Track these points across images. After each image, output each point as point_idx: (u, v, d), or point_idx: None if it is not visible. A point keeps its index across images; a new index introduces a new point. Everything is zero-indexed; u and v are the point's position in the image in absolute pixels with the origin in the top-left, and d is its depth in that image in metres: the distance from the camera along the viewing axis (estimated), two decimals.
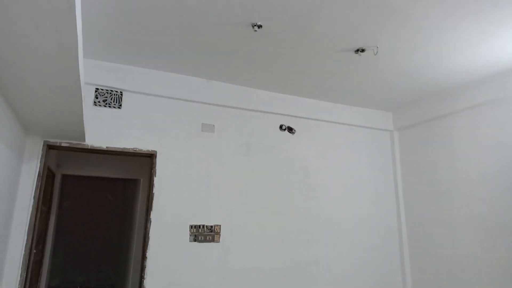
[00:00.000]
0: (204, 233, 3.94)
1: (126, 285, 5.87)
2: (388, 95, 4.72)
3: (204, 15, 2.94)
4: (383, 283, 4.77)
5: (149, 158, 4.02)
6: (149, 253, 3.68)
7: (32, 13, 1.47)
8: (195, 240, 3.88)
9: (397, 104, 5.06)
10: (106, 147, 3.71)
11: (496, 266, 3.84)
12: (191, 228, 3.90)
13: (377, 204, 5.03)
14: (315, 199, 4.63)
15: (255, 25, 3.03)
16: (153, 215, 3.77)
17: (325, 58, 3.67)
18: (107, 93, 3.83)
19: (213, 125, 4.26)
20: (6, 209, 2.92)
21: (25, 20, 1.53)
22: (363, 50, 3.45)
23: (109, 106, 3.81)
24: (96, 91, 3.79)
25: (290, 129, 4.66)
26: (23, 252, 3.21)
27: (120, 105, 3.87)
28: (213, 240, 3.96)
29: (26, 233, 3.25)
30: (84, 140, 3.55)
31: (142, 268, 3.67)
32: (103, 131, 3.73)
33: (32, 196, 3.33)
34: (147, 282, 3.61)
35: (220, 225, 4.03)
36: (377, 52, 3.49)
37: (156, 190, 3.83)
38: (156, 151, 3.91)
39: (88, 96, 3.72)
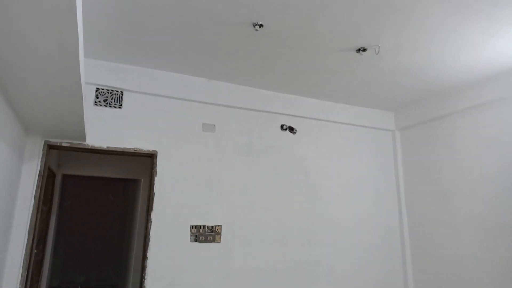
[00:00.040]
0: (205, 234, 3.93)
1: (127, 285, 5.86)
2: (390, 95, 4.70)
3: (205, 15, 2.92)
4: (384, 283, 4.76)
5: (150, 158, 4.01)
6: (150, 253, 3.67)
7: (33, 13, 1.47)
8: (195, 241, 3.87)
9: (399, 103, 5.05)
10: (107, 147, 3.71)
11: (498, 266, 3.83)
12: (192, 228, 3.89)
13: (379, 204, 5.01)
14: (317, 199, 4.62)
15: (256, 25, 3.02)
16: (153, 215, 3.76)
17: (326, 58, 3.66)
18: (108, 93, 3.82)
19: (214, 125, 4.25)
20: (7, 209, 2.91)
21: (26, 20, 1.53)
22: (364, 50, 3.44)
23: (110, 106, 3.81)
24: (96, 91, 3.78)
25: (291, 129, 4.65)
26: (23, 252, 3.20)
27: (121, 105, 3.86)
28: (214, 241, 3.95)
29: (26, 233, 3.25)
30: (84, 140, 3.54)
31: (143, 268, 3.66)
32: (103, 131, 3.72)
33: (33, 196, 3.33)
34: (148, 282, 3.60)
35: (221, 226, 4.02)
36: (378, 51, 3.47)
37: (156, 190, 3.82)
38: (156, 151, 3.90)
39: (88, 96, 3.71)
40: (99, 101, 3.77)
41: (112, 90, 3.85)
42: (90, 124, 3.62)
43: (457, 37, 3.24)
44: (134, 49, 3.55)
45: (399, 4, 2.76)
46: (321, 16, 2.93)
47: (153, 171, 3.88)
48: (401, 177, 5.17)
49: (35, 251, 3.71)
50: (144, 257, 3.68)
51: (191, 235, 3.87)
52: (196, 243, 3.87)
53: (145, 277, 3.61)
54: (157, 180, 3.85)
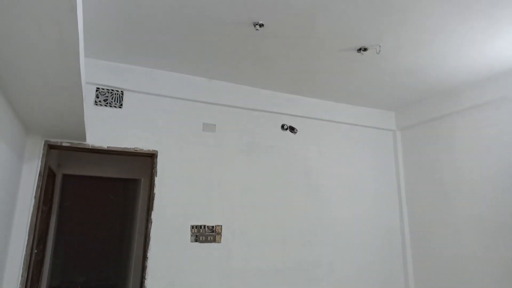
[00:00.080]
0: (205, 234, 3.93)
1: (127, 285, 5.86)
2: (391, 95, 4.70)
3: (205, 14, 2.92)
4: (385, 283, 4.75)
5: (150, 158, 4.01)
6: (150, 253, 3.67)
7: (34, 13, 1.46)
8: (196, 241, 3.87)
9: (399, 103, 5.04)
10: (107, 146, 3.70)
11: (498, 266, 3.83)
12: (192, 228, 3.89)
13: (380, 204, 5.01)
14: (317, 199, 4.61)
15: (257, 24, 3.01)
16: (154, 215, 3.76)
17: (327, 57, 3.66)
18: (108, 92, 3.82)
19: (214, 125, 4.24)
20: (7, 209, 2.91)
21: (27, 20, 1.52)
22: (365, 49, 3.44)
23: (110, 106, 3.80)
24: (97, 91, 3.78)
25: (291, 129, 4.65)
26: (24, 252, 3.20)
27: (121, 105, 3.85)
28: (214, 241, 3.95)
29: (27, 233, 3.24)
30: (85, 139, 3.54)
31: (143, 268, 3.66)
32: (104, 130, 3.72)
33: (33, 196, 3.33)
34: (148, 282, 3.60)
35: (221, 226, 4.02)
36: (379, 51, 3.47)
37: (157, 190, 3.82)
38: (157, 151, 3.90)
39: (89, 95, 3.71)
40: (100, 101, 3.77)
41: (113, 90, 3.85)
42: (90, 124, 3.62)
43: (457, 37, 3.24)
44: (135, 49, 3.55)
45: (399, 4, 2.75)
46: (322, 16, 2.92)
47: (153, 171, 3.88)
48: (401, 177, 5.17)
49: (36, 251, 3.70)
50: (145, 257, 3.68)
51: (191, 235, 3.86)
52: (197, 243, 3.87)
53: (146, 277, 3.60)
54: (157, 180, 3.84)
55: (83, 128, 3.14)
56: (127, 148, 3.78)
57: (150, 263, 3.64)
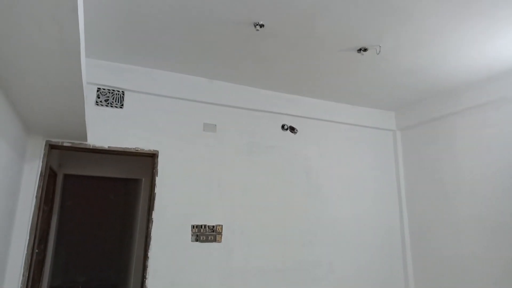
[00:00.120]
0: (206, 233, 3.93)
1: (128, 285, 5.87)
2: (391, 95, 4.70)
3: (206, 15, 2.93)
4: (385, 283, 4.75)
5: (151, 158, 4.02)
6: (151, 253, 3.67)
7: (35, 13, 1.47)
8: (197, 240, 3.88)
9: (399, 103, 5.04)
10: (108, 146, 3.71)
11: (499, 266, 3.83)
12: (193, 228, 3.89)
13: (380, 204, 5.01)
14: (317, 199, 4.62)
15: (257, 25, 3.02)
16: (155, 215, 3.76)
17: (327, 58, 3.66)
18: (109, 92, 3.83)
19: (215, 125, 4.25)
20: (8, 209, 2.92)
21: (27, 20, 1.53)
22: (365, 50, 3.44)
23: (111, 106, 3.81)
24: (98, 91, 3.78)
25: (292, 129, 4.65)
26: (25, 252, 3.21)
27: (122, 105, 3.86)
28: (215, 240, 3.95)
29: (28, 233, 3.25)
30: (86, 140, 3.55)
31: (144, 268, 3.67)
32: (105, 131, 3.73)
33: (34, 196, 3.33)
34: (149, 282, 3.60)
35: (222, 225, 4.03)
36: (379, 51, 3.47)
37: (158, 190, 3.83)
38: (158, 151, 3.91)
39: (90, 95, 3.71)
40: (101, 101, 3.77)
41: (114, 90, 3.85)
42: (91, 124, 3.62)
43: (457, 37, 3.24)
44: (136, 49, 3.56)
45: (400, 4, 2.76)
46: (322, 16, 2.93)
47: (154, 171, 3.88)
48: (401, 177, 5.17)
49: (37, 250, 3.71)
50: (145, 257, 3.69)
51: (192, 235, 3.87)
52: (197, 242, 3.88)
53: (146, 276, 3.61)
54: (158, 180, 3.85)
55: (84, 128, 3.15)
56: (128, 148, 3.79)
57: (151, 263, 3.65)
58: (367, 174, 5.03)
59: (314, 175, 4.67)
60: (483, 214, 4.05)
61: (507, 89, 3.91)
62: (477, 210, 4.12)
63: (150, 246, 3.68)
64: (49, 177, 4.06)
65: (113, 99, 3.83)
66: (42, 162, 3.43)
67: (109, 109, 3.80)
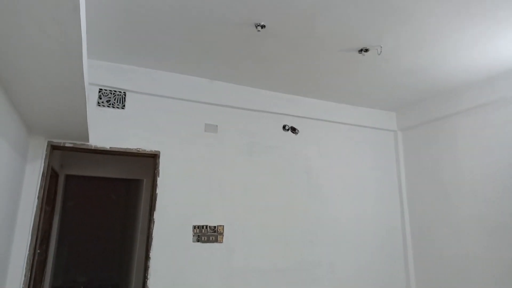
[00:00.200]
0: (207, 234, 3.94)
1: (129, 285, 5.88)
2: (392, 95, 4.70)
3: (207, 15, 2.93)
4: (386, 283, 4.75)
5: (153, 158, 4.02)
6: (153, 253, 3.68)
7: (36, 13, 1.47)
8: (198, 241, 3.88)
9: (400, 104, 5.04)
10: (110, 147, 3.72)
11: (500, 266, 3.82)
12: (194, 228, 3.90)
13: (381, 205, 5.01)
14: (318, 200, 4.62)
15: (258, 25, 3.02)
16: (156, 215, 3.77)
17: (328, 58, 3.66)
18: (111, 93, 3.84)
19: (216, 126, 4.26)
20: (10, 210, 2.93)
21: (28, 21, 1.53)
22: (366, 50, 3.44)
23: (113, 107, 3.82)
24: (99, 92, 3.80)
25: (293, 129, 4.66)
26: (27, 252, 3.22)
27: (124, 106, 3.87)
28: (216, 241, 3.96)
29: (30, 233, 3.26)
30: (87, 140, 3.56)
31: (146, 268, 3.68)
32: (106, 131, 3.74)
33: (36, 197, 3.34)
34: (151, 282, 3.61)
35: (223, 226, 4.03)
36: (380, 52, 3.47)
37: (159, 190, 3.84)
38: (159, 152, 3.92)
39: (91, 96, 3.73)
40: (102, 102, 3.79)
41: (115, 91, 3.87)
42: (93, 125, 3.63)
43: (458, 37, 3.24)
44: (137, 50, 3.57)
45: (400, 4, 2.76)
46: (323, 17, 2.93)
47: (155, 171, 3.89)
48: (403, 177, 5.17)
49: (38, 251, 3.72)
50: (147, 257, 3.69)
51: (193, 235, 3.88)
52: (199, 243, 3.88)
53: (148, 277, 3.62)
54: (159, 181, 3.86)
55: (86, 129, 3.16)
56: (129, 148, 3.80)
57: (152, 263, 3.65)
58: (368, 174, 5.02)
59: (314, 175, 4.67)
60: (484, 214, 4.04)
61: (507, 89, 3.90)
62: (477, 210, 4.12)
63: (151, 247, 3.69)
64: (51, 178, 4.07)
65: (114, 99, 3.84)
66: (44, 162, 3.44)
67: (110, 109, 3.81)
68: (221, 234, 4.00)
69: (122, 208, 7.89)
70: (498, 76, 3.98)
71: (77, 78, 2.08)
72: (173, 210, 3.85)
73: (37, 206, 3.33)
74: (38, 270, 4.21)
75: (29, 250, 3.23)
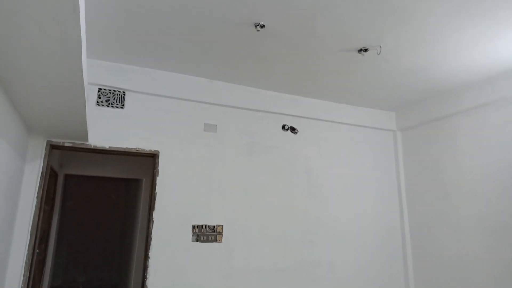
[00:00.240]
0: (206, 233, 3.94)
1: (129, 285, 5.88)
2: (391, 95, 4.70)
3: (206, 15, 2.93)
4: (386, 283, 4.75)
5: (152, 158, 4.02)
6: (152, 253, 3.68)
7: (37, 13, 1.47)
8: (197, 240, 3.88)
9: (400, 104, 5.04)
10: (109, 147, 3.72)
11: (499, 266, 3.83)
12: (194, 228, 3.90)
13: (380, 204, 5.01)
14: (318, 199, 4.62)
15: (258, 25, 3.02)
16: (155, 215, 3.77)
17: (328, 58, 3.66)
18: (110, 93, 3.84)
19: (216, 125, 4.25)
20: (9, 209, 2.93)
21: (29, 21, 1.53)
22: (366, 50, 3.44)
23: (112, 106, 3.82)
24: (99, 91, 3.79)
25: (292, 129, 4.65)
26: (26, 252, 3.22)
27: (123, 105, 3.87)
28: (215, 240, 3.96)
29: (29, 233, 3.26)
30: (87, 140, 3.56)
31: (145, 268, 3.67)
32: (106, 131, 3.73)
33: (35, 196, 3.34)
34: (150, 282, 3.61)
35: (222, 225, 4.03)
36: (380, 51, 3.47)
37: (158, 190, 3.83)
38: (158, 151, 3.91)
39: (91, 96, 3.72)
40: (102, 101, 3.78)
41: (114, 91, 3.86)
42: (92, 124, 3.63)
43: (458, 37, 3.24)
44: (136, 50, 3.56)
45: (400, 4, 2.76)
46: (323, 17, 2.93)
47: (155, 171, 3.89)
48: (402, 177, 5.17)
49: (37, 250, 3.72)
50: (146, 257, 3.69)
51: (192, 235, 3.87)
52: (198, 242, 3.88)
53: (147, 276, 3.62)
54: (159, 180, 3.86)
55: (85, 129, 3.16)
56: (129, 148, 3.80)
57: (151, 263, 3.65)
58: (367, 174, 5.03)
59: (314, 175, 4.67)
60: (484, 214, 4.05)
61: (507, 89, 3.91)
62: (477, 210, 4.12)
63: (150, 246, 3.69)
64: (50, 177, 4.07)
65: (114, 99, 3.84)
66: (43, 162, 3.43)
67: (110, 109, 3.81)
68: (221, 233, 4.00)
69: (122, 208, 7.89)
70: (498, 76, 3.98)
71: (76, 77, 2.08)
72: (173, 210, 3.84)
73: (36, 205, 3.33)
74: (37, 270, 4.21)
75: (28, 250, 3.23)
